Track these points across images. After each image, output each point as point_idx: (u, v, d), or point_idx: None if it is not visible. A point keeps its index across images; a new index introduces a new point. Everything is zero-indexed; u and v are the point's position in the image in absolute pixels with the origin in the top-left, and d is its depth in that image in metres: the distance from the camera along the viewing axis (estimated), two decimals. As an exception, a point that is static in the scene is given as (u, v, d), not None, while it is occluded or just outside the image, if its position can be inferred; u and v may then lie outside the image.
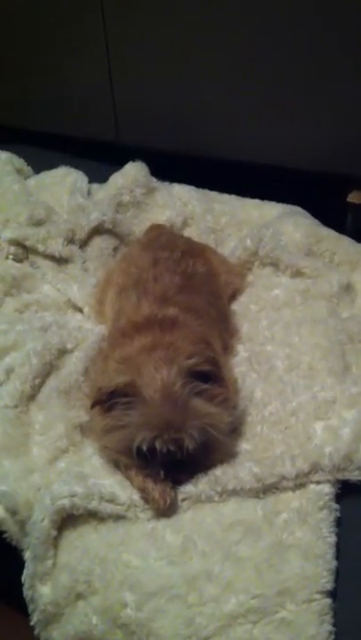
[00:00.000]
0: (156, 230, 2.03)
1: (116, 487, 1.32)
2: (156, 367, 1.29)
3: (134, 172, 2.24)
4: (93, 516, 1.29)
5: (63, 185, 2.29)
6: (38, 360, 1.56)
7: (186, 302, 1.54)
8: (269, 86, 2.08)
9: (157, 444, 1.24)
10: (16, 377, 1.54)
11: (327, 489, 1.29)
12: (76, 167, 2.37)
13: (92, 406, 1.36)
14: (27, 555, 1.30)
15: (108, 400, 1.31)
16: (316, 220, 2.05)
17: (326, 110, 2.03)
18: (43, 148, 2.54)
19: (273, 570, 1.17)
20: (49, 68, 2.51)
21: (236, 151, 2.23)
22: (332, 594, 1.16)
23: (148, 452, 1.26)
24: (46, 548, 1.27)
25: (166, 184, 2.30)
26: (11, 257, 1.99)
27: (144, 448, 1.26)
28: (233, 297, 1.86)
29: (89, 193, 2.27)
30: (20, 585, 1.30)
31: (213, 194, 2.27)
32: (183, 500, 1.30)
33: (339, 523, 1.26)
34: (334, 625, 1.12)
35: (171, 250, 1.75)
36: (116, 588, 1.20)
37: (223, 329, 1.66)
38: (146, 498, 1.29)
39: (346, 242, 1.96)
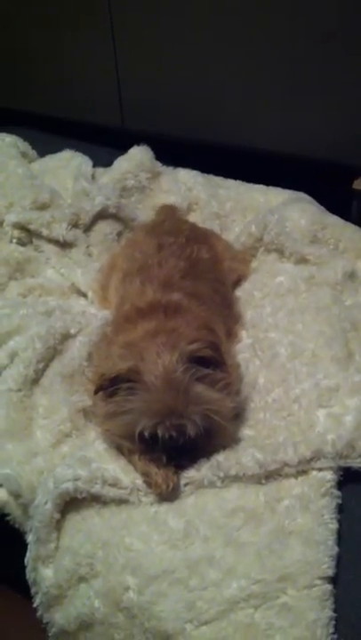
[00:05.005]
0: (167, 211, 2.03)
1: (119, 471, 1.33)
2: (159, 353, 1.29)
3: (139, 156, 2.24)
4: (96, 499, 1.30)
5: (67, 169, 2.28)
6: (42, 344, 1.56)
7: (190, 288, 1.55)
8: (276, 73, 2.06)
9: (159, 431, 1.25)
10: (20, 361, 1.54)
11: (329, 476, 1.29)
12: (81, 151, 2.36)
13: (95, 392, 1.36)
14: (30, 538, 1.31)
15: (110, 386, 1.31)
16: (322, 207, 2.04)
17: (333, 98, 2.02)
18: (47, 131, 2.53)
19: (274, 555, 1.18)
20: (55, 52, 2.49)
21: (242, 137, 2.22)
22: (334, 580, 1.16)
23: (150, 438, 1.27)
24: (49, 531, 1.28)
25: (171, 169, 2.29)
26: (15, 241, 1.99)
27: (146, 434, 1.26)
28: (237, 283, 1.86)
29: (93, 177, 2.26)
30: (23, 568, 1.31)
31: (218, 179, 2.26)
32: (186, 484, 1.30)
33: (340, 510, 1.26)
34: (335, 611, 1.13)
35: (175, 235, 1.75)
36: (118, 571, 1.21)
37: (227, 315, 1.66)
38: (149, 482, 1.30)
39: (351, 229, 1.95)
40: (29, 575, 1.30)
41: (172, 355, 1.28)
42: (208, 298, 1.58)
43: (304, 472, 1.31)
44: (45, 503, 1.28)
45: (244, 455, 1.32)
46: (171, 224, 1.89)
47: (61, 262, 1.95)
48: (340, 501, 1.27)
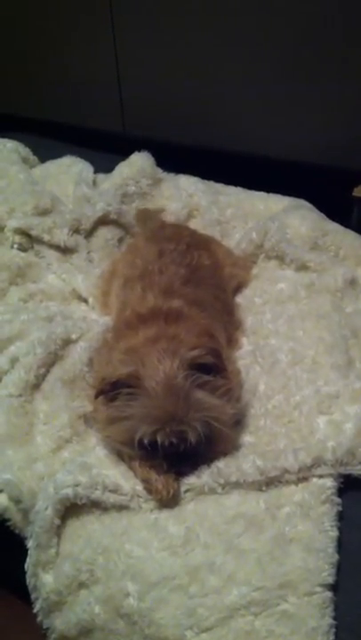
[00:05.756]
0: (151, 218, 2.05)
1: (120, 477, 1.33)
2: (159, 359, 1.30)
3: (140, 162, 2.24)
4: (97, 505, 1.30)
5: (69, 174, 2.28)
6: (43, 350, 1.56)
7: (191, 295, 1.55)
8: (277, 80, 2.08)
9: (159, 438, 1.25)
10: (21, 366, 1.54)
11: (330, 483, 1.29)
12: (82, 157, 2.36)
13: (96, 396, 1.36)
14: (30, 543, 1.31)
15: (111, 390, 1.31)
16: (322, 214, 2.04)
17: (334, 105, 2.03)
18: (49, 137, 2.53)
19: (275, 562, 1.18)
20: (56, 59, 2.50)
21: (243, 144, 2.23)
22: (334, 587, 1.16)
23: (150, 445, 1.27)
24: (49, 537, 1.28)
25: (172, 175, 2.29)
26: (16, 246, 1.98)
27: (145, 441, 1.27)
28: (238, 290, 1.86)
29: (94, 183, 2.26)
30: (24, 573, 1.31)
31: (219, 186, 2.26)
32: (186, 491, 1.30)
33: (341, 517, 1.26)
34: (335, 618, 1.13)
35: (176, 242, 1.75)
36: (119, 577, 1.21)
37: (228, 322, 1.67)
38: (149, 488, 1.30)
39: (351, 236, 1.95)
40: (30, 581, 1.30)
41: (172, 361, 1.29)
42: (209, 304, 1.58)
43: (304, 479, 1.31)
44: (46, 509, 1.28)
45: (245, 462, 1.32)
46: (171, 230, 1.90)
47: (62, 268, 1.95)
48: (340, 508, 1.27)
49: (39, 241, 2.00)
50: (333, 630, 1.12)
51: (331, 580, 1.17)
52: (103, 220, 2.06)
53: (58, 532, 1.29)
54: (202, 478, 1.30)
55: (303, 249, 1.87)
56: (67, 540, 1.29)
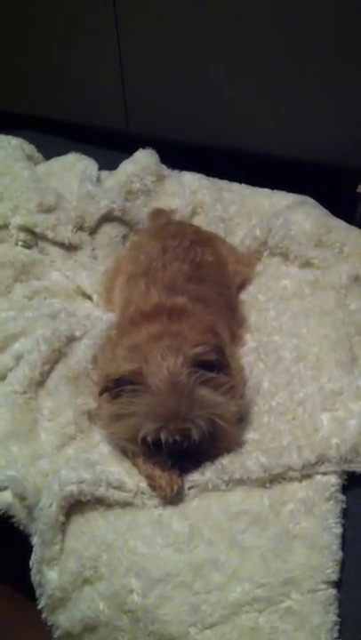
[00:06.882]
0: (162, 216, 2.03)
1: (124, 474, 1.33)
2: (163, 356, 1.30)
3: (145, 159, 2.24)
4: (101, 502, 1.30)
5: (73, 171, 2.28)
6: (47, 347, 1.57)
7: (194, 291, 1.55)
8: (281, 77, 2.07)
9: (162, 435, 1.25)
10: (25, 363, 1.54)
11: (333, 480, 1.29)
12: (86, 154, 2.36)
13: (100, 393, 1.36)
14: (34, 540, 1.31)
15: (114, 387, 1.32)
16: (326, 211, 2.03)
17: (337, 101, 2.02)
18: (53, 134, 2.53)
19: (279, 559, 1.18)
20: (60, 56, 2.49)
21: (247, 141, 2.22)
22: (338, 584, 1.17)
23: (154, 442, 1.27)
24: (54, 534, 1.28)
25: (176, 172, 2.29)
26: (20, 243, 1.99)
27: (149, 439, 1.27)
28: (241, 286, 1.86)
29: (98, 180, 2.26)
30: (28, 570, 1.31)
31: (223, 182, 2.26)
32: (190, 488, 1.30)
33: (345, 514, 1.26)
34: (339, 615, 1.13)
35: (180, 238, 1.75)
36: (123, 574, 1.22)
37: (231, 318, 1.66)
38: (153, 485, 1.30)
39: (356, 233, 1.95)
40: (34, 577, 1.30)
41: (176, 358, 1.29)
42: (212, 301, 1.58)
43: (308, 476, 1.31)
44: (50, 505, 1.28)
45: (249, 459, 1.32)
46: (175, 227, 1.89)
47: (67, 265, 1.95)
48: (344, 506, 1.28)
49: (43, 238, 2.00)
50: (337, 627, 1.12)
51: (335, 576, 1.17)
52: (107, 217, 2.06)
53: (62, 528, 1.29)
54: (206, 475, 1.31)
55: (307, 246, 1.86)
56: (71, 537, 1.29)
